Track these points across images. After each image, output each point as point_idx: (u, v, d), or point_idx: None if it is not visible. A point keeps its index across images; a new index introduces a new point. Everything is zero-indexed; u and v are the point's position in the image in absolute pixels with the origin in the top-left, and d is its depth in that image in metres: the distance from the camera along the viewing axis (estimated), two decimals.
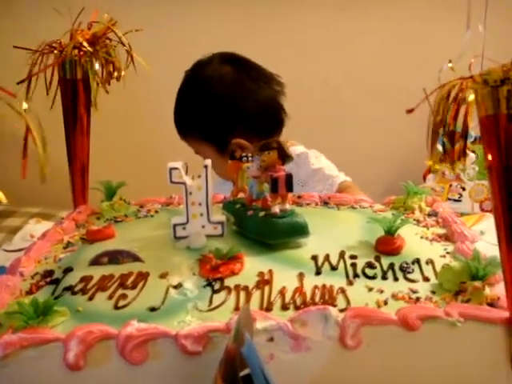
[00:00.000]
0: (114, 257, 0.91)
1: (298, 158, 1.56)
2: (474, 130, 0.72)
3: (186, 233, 0.96)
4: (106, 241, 1.00)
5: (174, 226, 0.97)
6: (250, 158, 1.02)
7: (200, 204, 0.96)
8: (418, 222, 1.07)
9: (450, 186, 3.40)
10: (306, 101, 2.58)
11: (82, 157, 1.19)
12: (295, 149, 1.60)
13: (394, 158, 3.46)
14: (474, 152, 3.20)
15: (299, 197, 1.20)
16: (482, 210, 3.25)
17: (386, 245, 0.93)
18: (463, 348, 0.74)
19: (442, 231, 1.03)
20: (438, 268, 0.88)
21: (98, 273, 0.88)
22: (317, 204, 1.19)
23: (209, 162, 0.96)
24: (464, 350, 0.74)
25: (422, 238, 1.00)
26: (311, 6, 2.71)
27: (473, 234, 1.01)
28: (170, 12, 2.61)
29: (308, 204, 1.19)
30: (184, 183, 0.94)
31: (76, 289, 0.84)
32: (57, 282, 0.87)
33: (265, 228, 0.94)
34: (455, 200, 3.34)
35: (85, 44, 1.12)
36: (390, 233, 0.95)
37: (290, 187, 0.92)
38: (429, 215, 1.12)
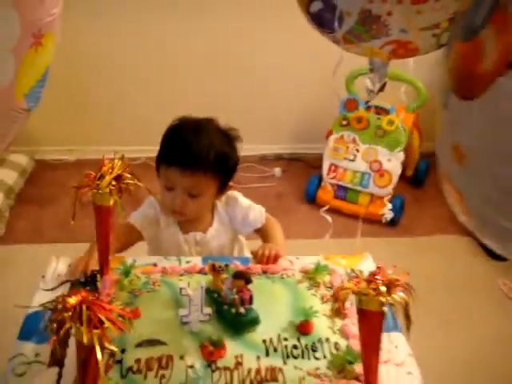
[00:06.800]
0: (151, 342, 1.57)
1: (227, 199, 2.18)
2: None
3: (187, 319, 1.62)
4: (137, 319, 1.64)
5: (181, 316, 1.62)
6: (224, 269, 1.68)
7: (197, 304, 1.62)
8: (322, 298, 1.77)
9: (347, 147, 4.14)
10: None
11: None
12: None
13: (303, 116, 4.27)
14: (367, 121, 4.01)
15: (248, 268, 1.86)
16: (371, 169, 4.06)
17: (305, 329, 1.63)
18: None
19: (335, 305, 1.74)
20: (332, 345, 1.60)
21: (143, 354, 1.53)
22: (259, 274, 1.85)
23: (204, 284, 1.60)
24: None
25: (324, 315, 1.70)
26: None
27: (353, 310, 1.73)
28: None
29: (253, 273, 1.84)
30: (189, 296, 1.60)
31: (134, 369, 1.50)
32: (120, 362, 1.52)
33: (236, 323, 1.61)
34: (350, 160, 4.09)
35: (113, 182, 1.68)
36: (307, 320, 1.65)
37: (251, 302, 1.60)
38: (328, 287, 1.81)
